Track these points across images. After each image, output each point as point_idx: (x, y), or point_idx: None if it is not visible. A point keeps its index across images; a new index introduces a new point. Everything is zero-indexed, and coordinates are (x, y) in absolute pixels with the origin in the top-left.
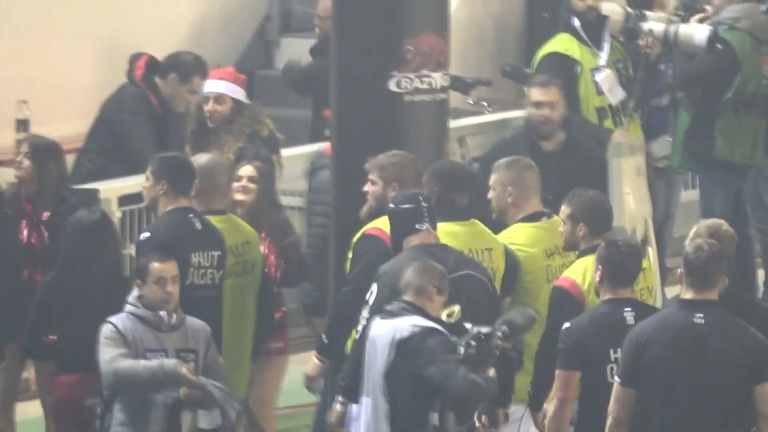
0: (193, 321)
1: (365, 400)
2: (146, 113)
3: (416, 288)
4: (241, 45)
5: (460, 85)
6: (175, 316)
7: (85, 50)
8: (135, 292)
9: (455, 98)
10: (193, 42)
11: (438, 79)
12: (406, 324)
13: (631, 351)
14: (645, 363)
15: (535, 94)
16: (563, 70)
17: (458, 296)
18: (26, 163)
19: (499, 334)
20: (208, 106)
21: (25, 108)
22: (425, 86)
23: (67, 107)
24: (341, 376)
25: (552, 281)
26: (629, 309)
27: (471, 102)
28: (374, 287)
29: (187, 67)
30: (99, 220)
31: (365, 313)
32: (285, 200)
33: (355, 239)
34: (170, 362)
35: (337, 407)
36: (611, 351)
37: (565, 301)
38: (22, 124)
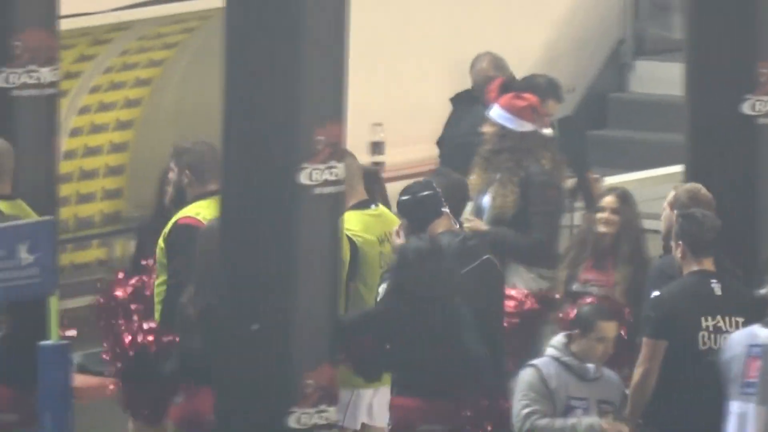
0: (608, 372)
1: (758, 409)
2: None
3: None
4: (595, 68)
5: None
6: (596, 368)
7: (438, 74)
8: (561, 338)
9: None
10: (546, 65)
11: None
12: None
13: None
14: None
15: None
16: None
17: (480, 282)
18: None
19: None
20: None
21: (379, 131)
22: None
23: (420, 130)
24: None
25: (384, 267)
26: (715, 281)
27: None
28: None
29: (540, 89)
30: (428, 248)
31: (385, 286)
32: (647, 224)
33: (167, 230)
34: (588, 420)
35: None
36: (702, 319)
37: None
38: (377, 147)
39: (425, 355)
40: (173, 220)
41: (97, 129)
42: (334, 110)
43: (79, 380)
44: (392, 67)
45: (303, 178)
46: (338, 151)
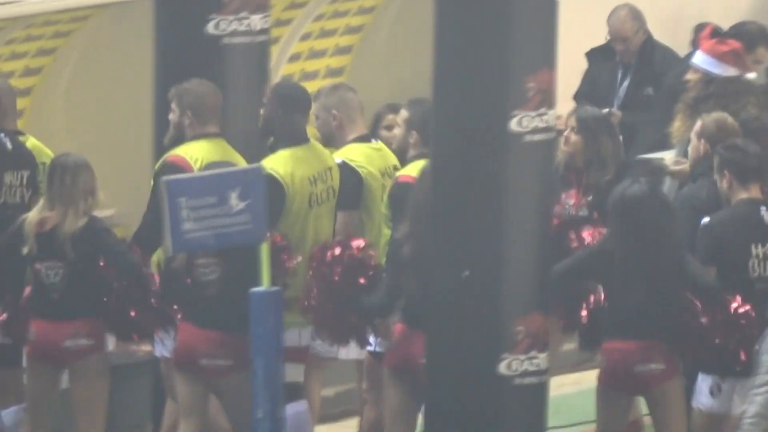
0: None
1: None
2: None
3: None
4: None
5: None
6: None
7: (649, 23)
8: None
9: None
10: (757, 13)
11: None
12: None
13: None
14: None
15: None
16: None
17: None
18: (574, 138)
19: None
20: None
21: None
22: None
23: None
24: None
25: (384, 200)
26: (765, 208)
27: None
28: None
29: (751, 36)
30: (645, 194)
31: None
32: None
33: (157, 167)
34: None
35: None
36: (752, 246)
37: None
38: None
39: (644, 297)
40: (164, 157)
41: (307, 76)
42: (546, 57)
43: None
44: (603, 15)
45: (514, 126)
46: (549, 99)
